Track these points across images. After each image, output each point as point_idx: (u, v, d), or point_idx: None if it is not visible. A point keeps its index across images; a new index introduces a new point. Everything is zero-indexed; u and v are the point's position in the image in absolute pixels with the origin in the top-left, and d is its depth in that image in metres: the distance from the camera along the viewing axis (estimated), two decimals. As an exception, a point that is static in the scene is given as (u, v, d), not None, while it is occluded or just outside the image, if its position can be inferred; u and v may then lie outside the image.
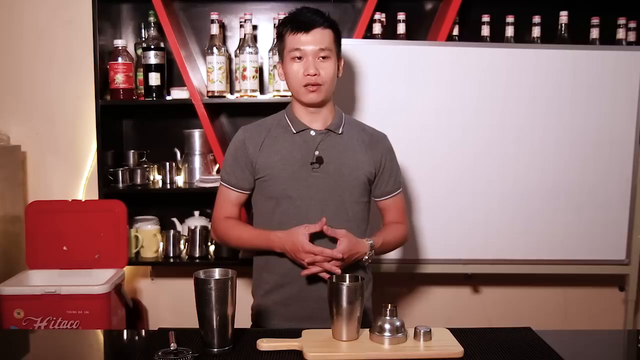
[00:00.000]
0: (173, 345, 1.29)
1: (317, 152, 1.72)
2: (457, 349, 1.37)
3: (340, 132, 1.76)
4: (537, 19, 2.57)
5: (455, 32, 2.60)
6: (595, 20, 2.58)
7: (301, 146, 1.73)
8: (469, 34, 2.64)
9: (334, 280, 1.42)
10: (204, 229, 2.62)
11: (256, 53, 2.54)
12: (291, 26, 1.70)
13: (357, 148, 1.77)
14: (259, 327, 1.78)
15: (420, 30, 2.70)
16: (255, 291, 1.84)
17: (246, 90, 2.55)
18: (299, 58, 1.69)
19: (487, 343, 1.44)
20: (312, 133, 1.74)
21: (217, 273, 1.40)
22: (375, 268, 2.53)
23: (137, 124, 2.81)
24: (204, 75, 2.67)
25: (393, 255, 2.49)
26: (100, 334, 1.73)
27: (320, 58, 1.69)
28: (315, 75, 1.68)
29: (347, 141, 1.77)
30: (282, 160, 1.72)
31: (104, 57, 2.57)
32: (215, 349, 1.36)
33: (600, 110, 2.48)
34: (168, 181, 2.66)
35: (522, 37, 2.64)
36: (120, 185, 2.59)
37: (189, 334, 1.42)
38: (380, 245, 1.74)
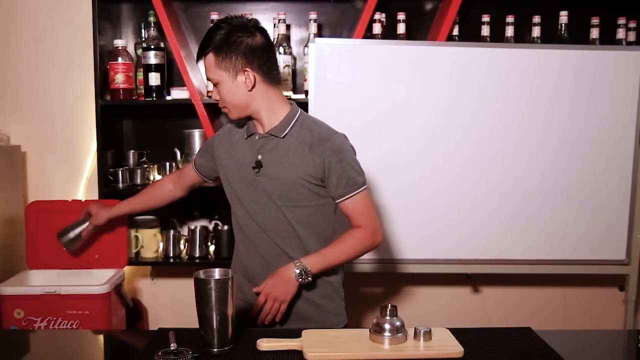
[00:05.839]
0: (173, 345, 1.29)
1: (259, 157, 1.74)
2: (457, 349, 1.37)
3: (282, 136, 1.72)
4: (537, 19, 2.57)
5: (455, 32, 2.60)
6: (595, 20, 2.58)
7: (249, 150, 1.76)
8: (469, 34, 2.64)
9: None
10: (204, 229, 2.62)
11: (256, 53, 2.54)
12: None
13: (297, 151, 1.71)
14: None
15: (420, 30, 2.70)
16: None
17: (246, 90, 2.54)
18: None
19: (487, 343, 1.44)
20: (257, 138, 1.76)
21: (217, 273, 1.40)
22: (375, 268, 2.54)
23: (137, 124, 2.81)
24: (203, 75, 2.66)
25: (393, 255, 2.49)
26: (100, 334, 1.73)
27: (213, 85, 1.74)
28: (217, 100, 1.75)
29: (289, 145, 1.72)
30: (235, 164, 1.78)
31: (104, 57, 2.57)
32: (215, 349, 1.36)
33: (600, 110, 2.48)
34: (168, 181, 2.66)
35: (522, 37, 2.64)
36: (120, 185, 2.59)
37: (189, 334, 1.42)
38: (323, 257, 1.68)
